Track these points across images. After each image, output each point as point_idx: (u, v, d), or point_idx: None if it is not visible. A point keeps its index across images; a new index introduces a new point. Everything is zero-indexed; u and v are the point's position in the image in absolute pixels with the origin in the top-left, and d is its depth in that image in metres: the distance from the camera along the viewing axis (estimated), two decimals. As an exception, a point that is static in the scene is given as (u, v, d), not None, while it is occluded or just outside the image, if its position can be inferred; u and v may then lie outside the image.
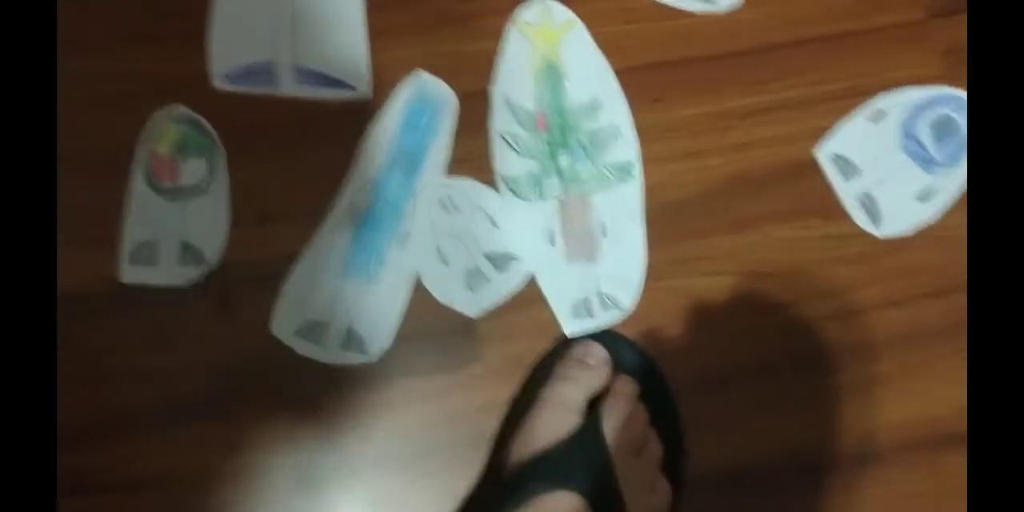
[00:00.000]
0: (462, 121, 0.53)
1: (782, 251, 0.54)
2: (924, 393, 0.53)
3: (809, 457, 0.52)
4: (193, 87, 0.52)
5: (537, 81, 0.54)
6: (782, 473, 0.52)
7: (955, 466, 0.52)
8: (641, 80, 0.54)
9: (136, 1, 0.54)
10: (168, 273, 0.51)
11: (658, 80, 0.55)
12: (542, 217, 0.53)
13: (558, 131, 0.53)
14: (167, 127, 0.52)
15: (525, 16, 0.54)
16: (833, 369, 0.53)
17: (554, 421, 0.47)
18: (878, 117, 0.55)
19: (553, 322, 0.52)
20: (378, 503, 0.50)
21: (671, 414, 0.51)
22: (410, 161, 0.53)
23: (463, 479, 0.51)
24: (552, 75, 0.54)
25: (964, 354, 0.53)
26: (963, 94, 0.55)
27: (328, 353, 0.51)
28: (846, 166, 0.55)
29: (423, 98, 0.53)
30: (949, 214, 0.54)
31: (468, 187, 0.53)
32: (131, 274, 0.51)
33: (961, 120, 0.55)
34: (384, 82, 0.53)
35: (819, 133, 0.55)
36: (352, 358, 0.51)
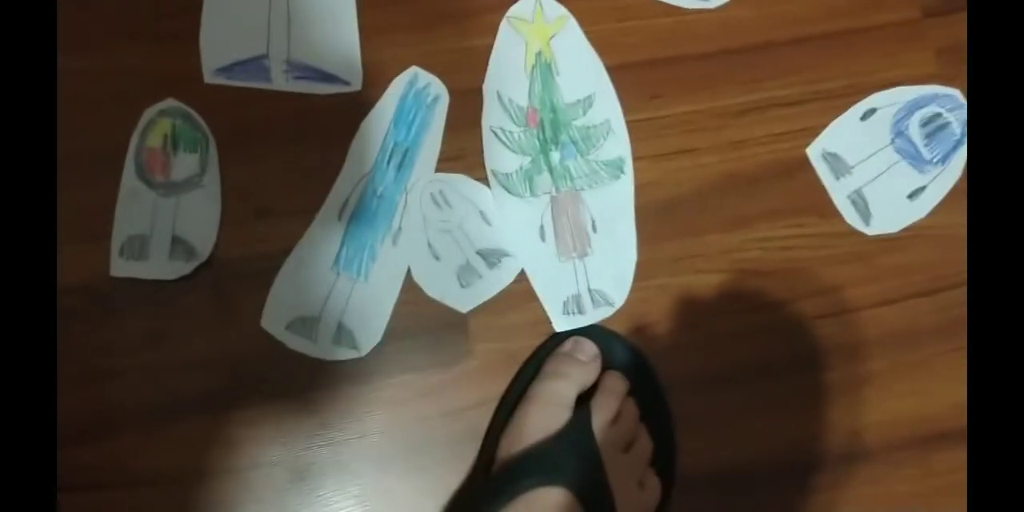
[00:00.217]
0: (454, 117, 0.53)
1: (775, 249, 0.54)
2: (916, 391, 0.53)
3: (801, 455, 0.52)
4: (186, 82, 0.52)
5: (530, 77, 0.54)
6: (774, 471, 0.52)
7: (947, 464, 0.52)
8: (635, 77, 0.54)
9: (135, 4, 0.54)
10: (159, 267, 0.51)
11: (652, 77, 0.55)
12: (534, 213, 0.53)
13: (550, 127, 0.53)
14: (159, 121, 0.52)
15: (518, 12, 0.54)
16: (825, 367, 0.53)
17: (544, 417, 0.47)
18: (870, 115, 0.55)
19: (545, 318, 0.52)
20: (371, 499, 0.50)
21: (661, 410, 0.51)
22: (402, 156, 0.53)
23: (456, 474, 0.51)
24: (544, 71, 0.54)
25: (957, 352, 0.53)
26: (955, 93, 0.55)
27: (319, 348, 0.51)
28: (837, 164, 0.55)
29: (416, 94, 0.53)
30: (940, 213, 0.55)
31: (460, 183, 0.53)
32: (121, 268, 0.51)
33: (952, 119, 0.55)
34: (377, 77, 0.53)
35: (813, 132, 0.55)
36: (343, 353, 0.51)
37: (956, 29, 0.56)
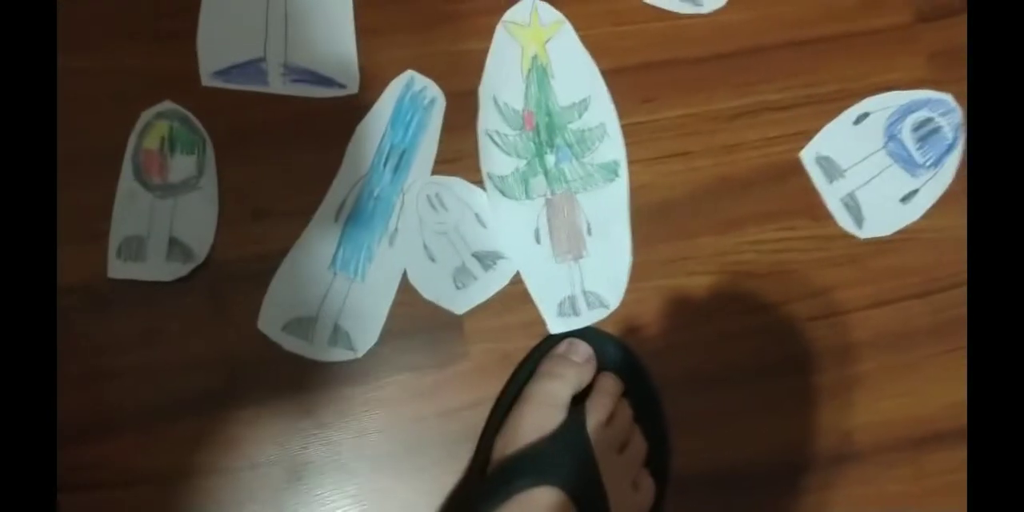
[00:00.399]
0: (451, 120, 0.54)
1: (768, 252, 0.54)
2: (908, 393, 0.53)
3: (794, 455, 0.53)
4: (184, 84, 0.52)
5: (525, 81, 0.54)
6: (767, 471, 0.52)
7: (939, 465, 0.53)
8: (629, 81, 0.55)
9: (133, 4, 0.54)
10: (156, 269, 0.51)
11: (647, 81, 0.55)
12: (529, 215, 0.53)
13: (545, 130, 0.54)
14: (157, 123, 0.52)
15: (514, 16, 0.55)
16: (818, 369, 0.53)
17: (539, 417, 0.48)
18: (863, 119, 0.56)
19: (539, 319, 0.52)
20: (368, 498, 0.51)
21: (655, 411, 0.51)
22: (399, 159, 0.53)
23: (452, 474, 0.51)
24: (540, 75, 0.54)
25: (949, 354, 0.54)
26: (947, 97, 0.56)
27: (315, 349, 0.51)
28: (830, 168, 0.55)
29: (412, 96, 0.54)
30: (932, 216, 0.55)
31: (456, 185, 0.53)
32: (119, 269, 0.51)
33: (944, 123, 0.56)
34: (374, 81, 0.54)
35: (807, 135, 0.55)
36: (339, 354, 0.51)
37: (948, 34, 0.57)
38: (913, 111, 0.56)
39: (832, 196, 0.55)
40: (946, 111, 0.56)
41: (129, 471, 0.50)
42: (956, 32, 0.57)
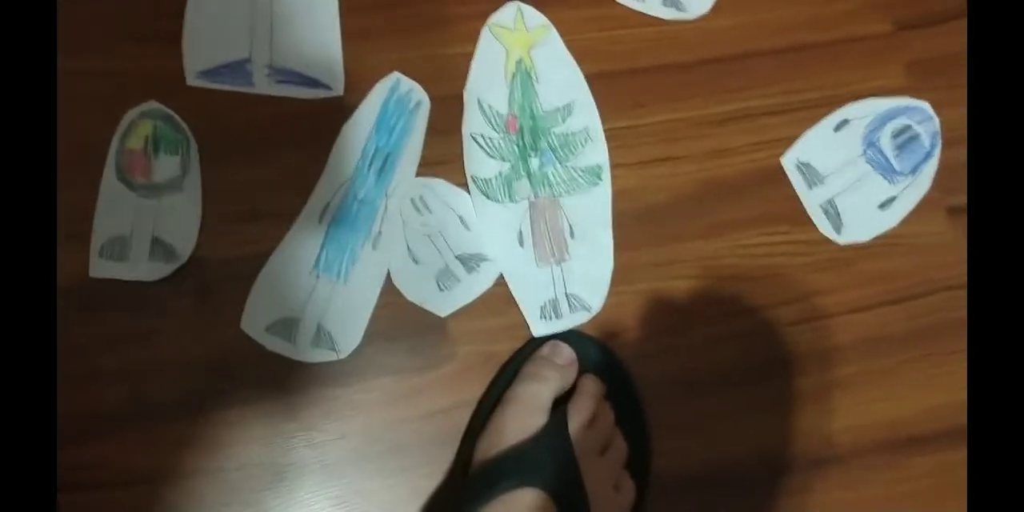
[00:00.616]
0: (436, 123, 0.54)
1: (750, 256, 0.55)
2: (889, 397, 0.54)
3: (775, 458, 0.53)
4: (169, 84, 0.52)
5: (510, 85, 0.54)
6: (748, 474, 0.53)
7: (919, 468, 0.53)
8: (614, 86, 0.55)
9: (128, 5, 0.54)
10: (139, 269, 0.51)
11: (632, 86, 0.55)
12: (512, 219, 0.53)
13: (529, 134, 0.54)
14: (141, 123, 0.52)
15: (499, 20, 0.55)
16: (799, 372, 0.54)
17: (521, 419, 0.48)
18: (842, 126, 0.56)
19: (523, 322, 0.53)
20: (351, 500, 0.51)
21: (637, 414, 0.52)
22: (384, 161, 0.53)
23: (434, 475, 0.51)
24: (525, 79, 0.55)
25: (928, 358, 0.54)
26: (924, 105, 0.57)
27: (298, 350, 0.51)
28: (811, 173, 0.56)
29: (398, 99, 0.54)
30: (910, 223, 0.56)
31: (440, 188, 0.53)
32: (101, 269, 0.51)
33: (922, 131, 0.56)
34: (360, 83, 0.54)
35: (789, 141, 0.56)
36: (322, 355, 0.51)
37: (927, 43, 0.58)
38: (892, 119, 0.56)
39: (812, 202, 0.55)
40: (924, 119, 0.56)
41: (109, 473, 0.50)
42: (935, 41, 0.58)
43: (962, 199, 0.56)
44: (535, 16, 0.55)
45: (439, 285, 0.52)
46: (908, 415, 0.54)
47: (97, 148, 0.52)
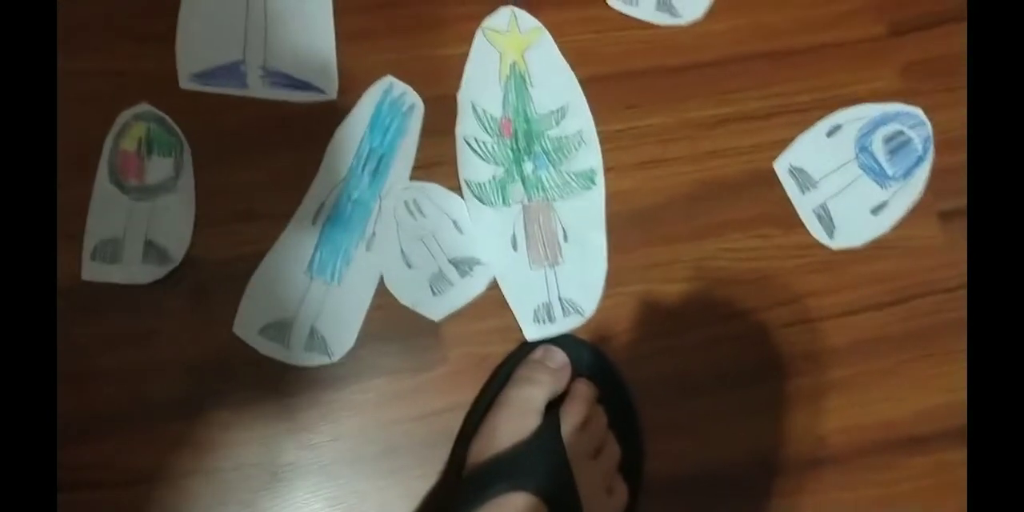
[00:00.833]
0: (429, 126, 0.54)
1: (744, 259, 0.55)
2: (883, 398, 0.54)
3: (769, 460, 0.53)
4: (162, 86, 0.52)
5: (504, 88, 0.54)
6: (742, 476, 0.53)
7: (914, 469, 0.54)
8: (608, 89, 0.55)
9: (127, 6, 0.54)
10: (131, 271, 0.51)
11: (625, 89, 0.55)
12: (506, 222, 0.53)
13: (523, 137, 0.54)
14: (134, 125, 0.52)
15: (493, 23, 0.55)
16: (794, 374, 0.54)
17: (514, 422, 0.48)
18: (835, 131, 0.57)
19: (516, 325, 0.53)
20: (346, 501, 0.51)
21: (629, 417, 0.52)
22: (377, 164, 0.53)
23: (428, 477, 0.51)
24: (518, 82, 0.55)
25: (923, 360, 0.55)
26: (917, 111, 0.57)
27: (291, 353, 0.51)
28: (803, 178, 0.56)
29: (392, 102, 0.54)
30: (902, 227, 0.56)
31: (433, 191, 0.53)
32: (93, 271, 0.51)
33: (914, 136, 0.57)
34: (353, 85, 0.54)
35: (782, 145, 0.56)
36: (315, 358, 0.51)
37: (920, 47, 0.58)
38: (884, 124, 0.57)
39: (805, 206, 0.56)
40: (916, 124, 0.56)
41: (113, 471, 0.50)
42: (929, 44, 0.58)
43: (954, 203, 0.56)
44: (528, 19, 0.55)
45: (432, 289, 0.52)
46: (904, 416, 0.54)
47: (92, 148, 0.52)
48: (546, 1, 0.55)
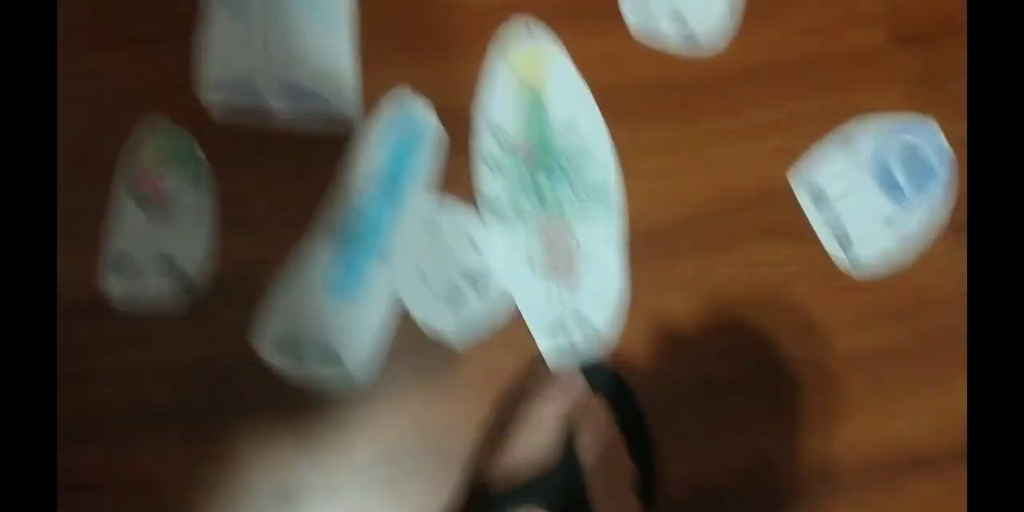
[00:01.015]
0: (445, 142, 0.54)
1: (757, 274, 0.55)
2: (891, 414, 0.54)
3: (778, 476, 0.53)
4: (179, 99, 0.53)
5: (519, 104, 0.55)
6: (753, 491, 0.53)
7: (921, 485, 0.54)
8: (623, 105, 0.55)
9: (128, 7, 0.54)
10: (148, 285, 0.51)
11: (640, 105, 0.56)
12: (520, 238, 0.54)
13: (538, 154, 0.54)
14: (152, 139, 0.52)
15: (509, 41, 0.55)
16: (802, 389, 0.54)
17: (531, 440, 0.48)
18: (849, 144, 0.57)
19: (532, 342, 0.53)
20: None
21: (643, 435, 0.52)
22: (393, 180, 0.53)
23: (441, 495, 0.51)
24: (533, 99, 0.55)
25: (930, 377, 0.54)
26: (932, 123, 0.56)
27: (306, 369, 0.51)
28: (817, 192, 0.56)
29: (407, 118, 0.54)
30: (917, 240, 0.56)
31: (449, 207, 0.54)
32: (111, 285, 0.51)
33: (928, 149, 0.57)
34: (370, 101, 0.54)
35: (794, 158, 0.56)
36: (330, 374, 0.52)
37: (929, 58, 0.57)
38: (898, 136, 0.56)
39: (819, 220, 0.56)
40: (930, 137, 0.56)
41: (113, 471, 0.50)
42: (938, 57, 0.58)
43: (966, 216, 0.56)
44: (544, 37, 0.55)
45: (447, 305, 0.53)
46: (913, 433, 0.54)
47: (97, 151, 0.52)
48: (562, 19, 0.56)
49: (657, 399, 0.53)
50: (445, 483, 0.51)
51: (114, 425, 0.50)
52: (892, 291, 0.55)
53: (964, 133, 0.56)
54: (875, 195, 0.56)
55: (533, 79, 0.55)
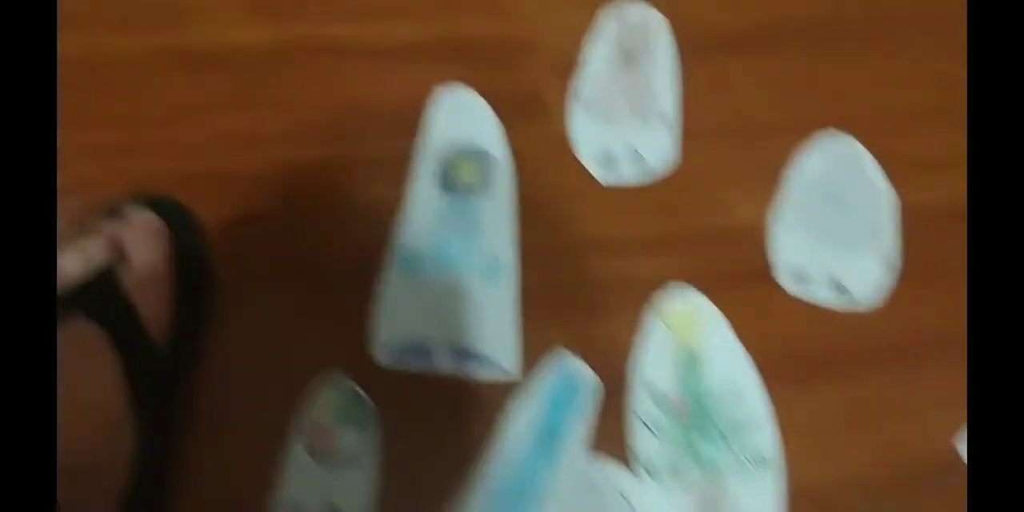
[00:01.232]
0: (602, 402, 0.55)
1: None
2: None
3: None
4: (354, 357, 0.56)
5: (676, 366, 0.56)
6: None
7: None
8: (782, 369, 0.56)
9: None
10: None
11: (800, 369, 0.56)
12: (677, 502, 0.53)
13: (696, 416, 0.55)
14: (328, 395, 0.56)
15: (665, 302, 0.57)
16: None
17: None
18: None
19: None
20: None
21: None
22: (550, 439, 0.55)
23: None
24: (691, 361, 0.56)
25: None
26: None
27: None
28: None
29: (565, 377, 0.56)
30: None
31: (606, 468, 0.54)
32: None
33: None
34: (529, 360, 0.56)
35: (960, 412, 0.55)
36: None
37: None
38: None
39: None
40: None
41: None
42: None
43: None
44: (700, 299, 0.57)
45: (606, 571, 0.52)
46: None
47: (280, 414, 0.55)
48: (718, 280, 0.58)
49: None
50: None
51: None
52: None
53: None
54: None
55: (690, 342, 0.56)
